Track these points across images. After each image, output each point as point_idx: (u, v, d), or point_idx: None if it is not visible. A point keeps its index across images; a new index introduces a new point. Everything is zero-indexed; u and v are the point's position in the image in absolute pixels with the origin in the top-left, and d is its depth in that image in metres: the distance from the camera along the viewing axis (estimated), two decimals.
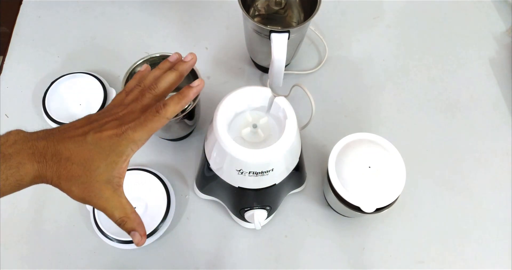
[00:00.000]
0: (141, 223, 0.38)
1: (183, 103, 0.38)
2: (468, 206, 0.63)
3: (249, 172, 0.46)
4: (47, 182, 0.35)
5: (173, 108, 0.38)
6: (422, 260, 0.60)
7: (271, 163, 0.46)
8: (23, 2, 0.81)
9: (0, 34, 1.13)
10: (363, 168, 0.52)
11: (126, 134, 0.35)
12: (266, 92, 0.48)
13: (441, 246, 0.60)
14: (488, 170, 0.66)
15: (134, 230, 0.37)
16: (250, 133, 0.50)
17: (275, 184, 0.50)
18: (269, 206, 0.55)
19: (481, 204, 0.64)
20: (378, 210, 0.52)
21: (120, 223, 0.36)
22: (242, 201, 0.54)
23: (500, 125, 0.70)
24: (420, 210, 0.63)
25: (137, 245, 0.37)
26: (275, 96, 0.48)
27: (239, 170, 0.46)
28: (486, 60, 0.76)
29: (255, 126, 0.49)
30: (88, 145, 0.35)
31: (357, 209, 0.52)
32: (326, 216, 0.62)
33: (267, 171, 0.46)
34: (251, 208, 0.54)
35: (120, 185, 0.36)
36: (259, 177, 0.47)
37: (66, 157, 0.34)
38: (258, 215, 0.54)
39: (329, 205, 0.62)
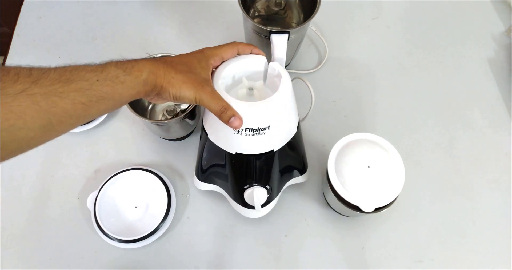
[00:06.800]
0: (237, 112, 0.44)
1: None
2: (467, 206, 0.64)
3: (245, 130, 0.46)
4: (158, 79, 0.41)
5: None
6: (421, 259, 0.60)
7: (267, 118, 0.46)
8: (24, 2, 0.81)
9: (1, 34, 1.14)
10: (363, 168, 0.52)
11: (206, 51, 0.47)
12: (261, 60, 0.50)
13: (440, 246, 0.61)
14: (487, 170, 0.66)
15: (234, 115, 0.44)
16: (246, 95, 0.51)
17: (273, 150, 0.51)
18: (268, 185, 0.55)
19: (480, 204, 0.64)
20: (377, 209, 0.52)
21: (222, 112, 0.43)
22: (241, 176, 0.54)
23: (499, 125, 0.70)
24: (419, 210, 0.63)
25: (236, 128, 0.44)
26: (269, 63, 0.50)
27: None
28: (485, 60, 0.77)
29: (251, 89, 0.50)
30: (185, 55, 0.46)
31: (357, 208, 0.52)
32: (325, 215, 0.62)
33: (264, 129, 0.47)
34: (251, 186, 0.54)
35: (212, 86, 0.45)
36: (255, 136, 0.47)
37: (171, 61, 0.44)
38: (257, 194, 0.54)
39: (328, 204, 0.62)
